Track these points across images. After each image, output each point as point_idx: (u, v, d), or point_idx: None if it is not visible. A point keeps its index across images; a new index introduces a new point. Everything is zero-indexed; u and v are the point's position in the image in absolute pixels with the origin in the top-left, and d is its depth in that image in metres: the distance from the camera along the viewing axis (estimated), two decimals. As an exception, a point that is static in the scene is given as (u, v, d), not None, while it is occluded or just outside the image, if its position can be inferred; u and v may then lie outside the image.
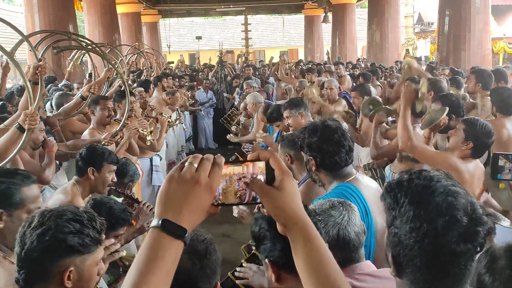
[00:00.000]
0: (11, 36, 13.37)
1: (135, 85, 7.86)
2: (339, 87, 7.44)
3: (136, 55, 11.32)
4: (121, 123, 4.73)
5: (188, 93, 10.06)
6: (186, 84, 10.94)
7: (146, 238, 1.01)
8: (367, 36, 17.32)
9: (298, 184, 3.05)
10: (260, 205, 1.14)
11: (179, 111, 8.73)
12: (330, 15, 20.43)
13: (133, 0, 19.17)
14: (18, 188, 2.18)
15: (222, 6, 23.80)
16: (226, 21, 38.18)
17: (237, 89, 10.56)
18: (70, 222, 1.70)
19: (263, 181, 1.10)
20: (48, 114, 5.18)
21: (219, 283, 1.62)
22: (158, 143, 5.57)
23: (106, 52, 6.94)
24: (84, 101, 5.25)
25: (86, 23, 15.02)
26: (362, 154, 5.60)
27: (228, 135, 6.87)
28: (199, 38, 23.01)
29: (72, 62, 7.36)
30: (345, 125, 4.56)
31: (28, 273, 1.67)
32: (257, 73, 12.92)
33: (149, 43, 20.00)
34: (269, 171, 1.11)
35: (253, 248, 3.24)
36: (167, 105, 7.68)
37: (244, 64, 14.97)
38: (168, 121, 6.85)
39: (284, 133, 4.81)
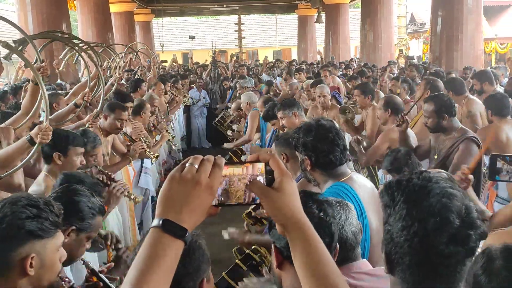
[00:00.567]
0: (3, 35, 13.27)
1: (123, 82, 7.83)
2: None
3: (134, 55, 11.28)
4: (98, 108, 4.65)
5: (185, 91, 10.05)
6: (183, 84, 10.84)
7: (146, 238, 1.02)
8: (360, 36, 17.37)
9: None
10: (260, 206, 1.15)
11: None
12: (323, 15, 20.47)
13: (127, -1, 19.20)
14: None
15: (215, 6, 23.80)
16: (219, 21, 38.15)
17: (229, 91, 10.60)
18: (27, 207, 1.67)
19: (262, 182, 1.11)
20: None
21: (205, 280, 1.61)
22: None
23: (99, 51, 6.93)
24: (77, 109, 5.09)
25: (79, 22, 15.03)
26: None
27: (224, 144, 6.88)
28: (192, 37, 22.92)
29: (64, 62, 7.31)
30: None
31: None
32: (250, 73, 12.95)
33: (142, 42, 19.98)
34: (269, 172, 1.12)
35: (246, 249, 3.24)
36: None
37: (236, 64, 14.98)
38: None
39: (279, 132, 4.85)
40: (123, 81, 8.24)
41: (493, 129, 4.44)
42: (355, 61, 15.80)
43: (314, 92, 6.33)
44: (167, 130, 7.11)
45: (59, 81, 8.43)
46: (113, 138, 4.82)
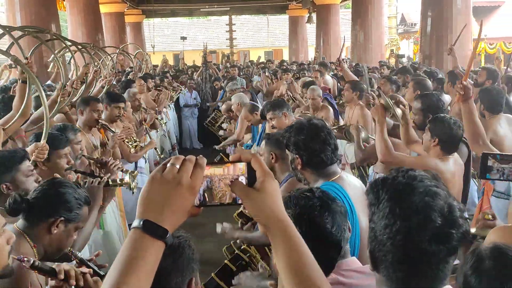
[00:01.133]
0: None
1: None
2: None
3: (125, 55, 11.25)
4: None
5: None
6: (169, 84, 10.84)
7: (126, 239, 1.02)
8: (351, 36, 17.37)
9: (280, 183, 3.09)
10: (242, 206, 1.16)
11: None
12: (314, 15, 20.51)
13: (117, 0, 19.11)
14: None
15: (207, 6, 23.78)
16: (211, 21, 38.10)
17: (220, 91, 10.60)
18: None
19: (244, 182, 1.11)
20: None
21: (194, 280, 1.61)
22: (135, 157, 5.43)
23: (91, 53, 6.92)
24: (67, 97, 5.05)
25: (69, 23, 14.92)
26: (349, 152, 5.66)
27: (215, 146, 6.90)
28: (184, 38, 22.91)
29: (52, 63, 7.28)
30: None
31: None
32: (241, 73, 12.95)
33: (133, 43, 19.91)
34: (251, 172, 1.12)
35: (236, 249, 3.25)
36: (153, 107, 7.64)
37: (227, 64, 14.99)
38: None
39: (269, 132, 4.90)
40: (113, 82, 8.20)
41: (485, 127, 4.46)
42: (346, 61, 15.84)
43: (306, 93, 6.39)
44: (157, 118, 7.20)
45: (49, 82, 8.36)
46: (98, 135, 4.81)
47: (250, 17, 37.63)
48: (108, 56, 8.50)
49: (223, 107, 7.94)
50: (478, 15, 17.83)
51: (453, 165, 3.41)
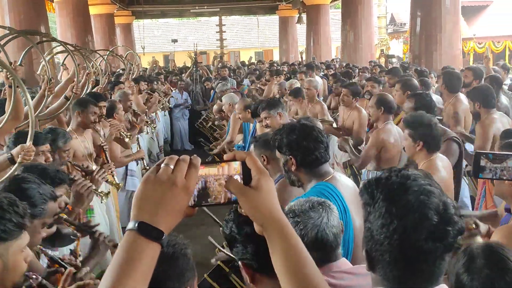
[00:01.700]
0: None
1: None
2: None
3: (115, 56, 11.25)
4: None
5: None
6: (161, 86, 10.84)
7: (122, 241, 1.00)
8: (341, 36, 17.46)
9: (273, 184, 3.08)
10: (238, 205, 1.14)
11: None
12: (304, 16, 20.63)
13: (106, 1, 19.05)
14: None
15: (196, 7, 23.79)
16: (201, 22, 38.10)
17: (211, 91, 10.61)
18: None
19: (239, 181, 1.10)
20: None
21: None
22: (121, 162, 5.42)
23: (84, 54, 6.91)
24: (67, 101, 5.05)
25: (58, 25, 14.82)
26: (338, 151, 5.74)
27: (207, 149, 6.90)
28: (174, 41, 23.02)
29: (41, 66, 7.24)
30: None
31: None
32: (232, 75, 12.97)
33: (123, 44, 19.86)
34: (246, 171, 1.11)
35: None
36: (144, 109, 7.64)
37: (220, 64, 15.01)
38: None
39: (259, 132, 4.94)
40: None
41: (484, 125, 4.50)
42: (337, 62, 15.93)
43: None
44: (147, 122, 7.17)
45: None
46: (90, 138, 4.79)
47: (240, 17, 37.68)
48: (99, 58, 8.50)
49: (214, 108, 7.97)
50: (466, 15, 18.01)
51: (441, 163, 3.45)
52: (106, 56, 9.96)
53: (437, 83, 7.95)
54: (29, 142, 3.12)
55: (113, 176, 4.48)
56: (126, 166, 5.86)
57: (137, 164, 6.19)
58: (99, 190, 3.57)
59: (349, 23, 16.72)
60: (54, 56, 8.09)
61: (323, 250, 1.92)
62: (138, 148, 5.99)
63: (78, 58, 6.63)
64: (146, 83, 9.05)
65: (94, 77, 7.02)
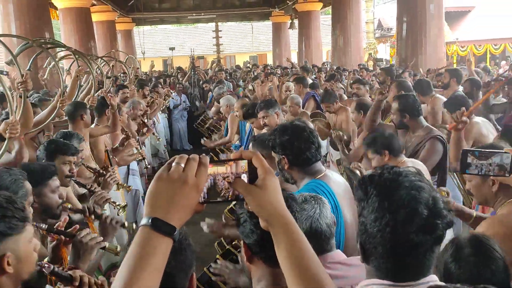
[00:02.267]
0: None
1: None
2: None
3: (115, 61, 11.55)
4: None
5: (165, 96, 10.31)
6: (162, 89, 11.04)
7: (136, 236, 1.03)
8: (331, 41, 17.61)
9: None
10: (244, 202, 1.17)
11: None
12: (296, 21, 20.93)
13: (108, 8, 19.23)
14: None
15: (194, 14, 23.99)
16: (198, 28, 38.22)
17: (209, 94, 10.83)
18: None
19: (246, 180, 1.13)
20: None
21: (194, 275, 1.62)
22: (125, 161, 5.39)
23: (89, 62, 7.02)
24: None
25: (62, 32, 15.06)
26: (332, 149, 5.98)
27: (202, 139, 7.07)
28: (172, 49, 23.59)
29: (48, 70, 7.29)
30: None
31: None
32: (228, 77, 13.25)
33: (124, 50, 20.06)
34: (252, 169, 1.13)
35: (226, 245, 3.23)
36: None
37: (217, 68, 15.47)
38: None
39: (256, 132, 5.09)
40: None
41: (470, 127, 4.35)
42: (327, 65, 16.25)
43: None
44: (154, 133, 7.32)
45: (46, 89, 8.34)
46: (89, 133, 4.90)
47: (236, 24, 37.81)
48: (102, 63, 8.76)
49: (212, 110, 8.26)
50: (450, 19, 18.36)
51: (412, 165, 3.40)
52: (112, 64, 10.17)
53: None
54: (12, 117, 3.18)
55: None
56: (128, 166, 5.90)
57: (137, 164, 6.28)
58: (117, 203, 3.46)
59: (339, 28, 16.91)
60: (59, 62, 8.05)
61: (317, 240, 1.96)
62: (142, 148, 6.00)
63: (83, 64, 6.61)
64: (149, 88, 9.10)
65: (99, 79, 7.18)
